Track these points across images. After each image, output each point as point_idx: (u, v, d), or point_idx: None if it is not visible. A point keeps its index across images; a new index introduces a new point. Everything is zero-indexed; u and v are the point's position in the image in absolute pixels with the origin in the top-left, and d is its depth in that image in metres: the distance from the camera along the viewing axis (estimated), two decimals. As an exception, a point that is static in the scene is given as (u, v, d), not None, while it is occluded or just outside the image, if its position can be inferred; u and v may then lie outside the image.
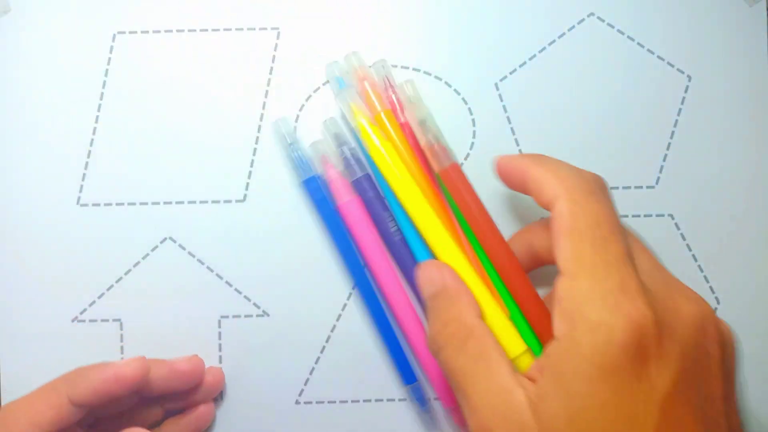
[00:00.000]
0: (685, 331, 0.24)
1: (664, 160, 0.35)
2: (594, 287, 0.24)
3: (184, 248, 0.34)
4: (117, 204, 0.34)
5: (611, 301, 0.23)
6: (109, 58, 0.35)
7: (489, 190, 0.34)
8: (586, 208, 0.25)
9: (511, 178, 0.29)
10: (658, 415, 0.23)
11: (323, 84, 0.35)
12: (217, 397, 0.34)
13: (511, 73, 0.35)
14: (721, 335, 0.25)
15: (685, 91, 0.35)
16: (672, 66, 0.35)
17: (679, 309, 0.25)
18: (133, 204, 0.34)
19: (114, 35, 0.35)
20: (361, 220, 0.32)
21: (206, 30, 0.35)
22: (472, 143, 0.35)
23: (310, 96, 0.35)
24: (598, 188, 0.26)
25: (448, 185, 0.31)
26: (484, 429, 0.24)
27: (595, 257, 0.24)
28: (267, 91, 0.35)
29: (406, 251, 0.32)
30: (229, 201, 0.34)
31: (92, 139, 0.34)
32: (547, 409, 0.23)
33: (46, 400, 0.29)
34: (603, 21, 0.35)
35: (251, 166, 0.34)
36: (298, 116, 0.35)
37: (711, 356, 0.25)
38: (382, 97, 0.33)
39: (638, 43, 0.35)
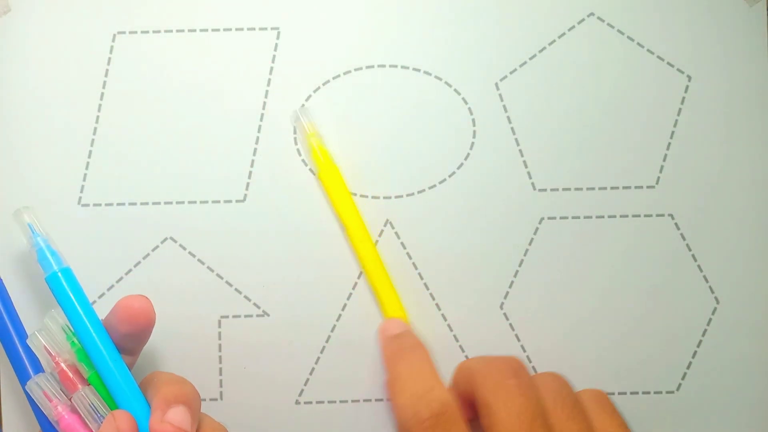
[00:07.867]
0: None
1: (664, 160, 0.35)
2: None
3: (184, 248, 0.34)
4: (118, 204, 0.34)
5: None
6: (109, 58, 0.35)
7: (489, 191, 0.34)
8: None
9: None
10: None
11: (323, 84, 0.35)
12: (217, 397, 0.34)
13: (511, 73, 0.35)
14: None
15: (685, 91, 0.35)
16: (672, 66, 0.35)
17: None
18: (134, 204, 0.34)
19: (114, 35, 0.35)
20: None
21: (206, 30, 0.35)
22: (472, 143, 0.35)
23: (310, 96, 0.35)
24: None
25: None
26: None
27: None
28: (267, 92, 0.35)
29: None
30: (230, 201, 0.34)
31: (93, 139, 0.34)
32: None
33: None
34: (603, 21, 0.35)
35: (251, 166, 0.34)
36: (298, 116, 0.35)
37: None
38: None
39: (638, 43, 0.35)
